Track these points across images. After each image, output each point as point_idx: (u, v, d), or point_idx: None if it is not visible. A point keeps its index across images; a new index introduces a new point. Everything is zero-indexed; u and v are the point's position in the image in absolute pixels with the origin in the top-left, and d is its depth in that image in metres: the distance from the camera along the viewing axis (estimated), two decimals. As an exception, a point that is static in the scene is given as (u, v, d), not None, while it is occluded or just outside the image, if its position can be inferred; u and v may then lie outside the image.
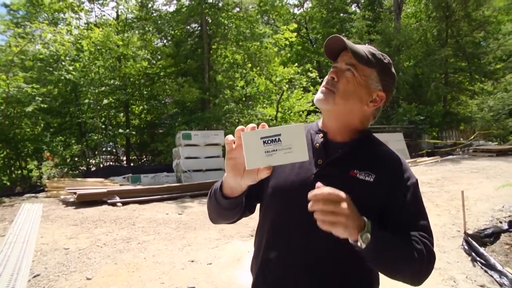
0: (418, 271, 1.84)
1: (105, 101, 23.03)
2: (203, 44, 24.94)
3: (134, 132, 26.14)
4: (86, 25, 26.02)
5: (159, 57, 25.62)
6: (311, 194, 1.65)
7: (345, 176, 1.94)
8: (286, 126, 1.67)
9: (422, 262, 1.82)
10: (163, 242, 8.86)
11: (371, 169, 1.95)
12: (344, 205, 1.63)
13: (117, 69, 23.65)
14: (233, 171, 1.78)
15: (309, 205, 1.65)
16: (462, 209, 7.88)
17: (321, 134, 2.10)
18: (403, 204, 1.92)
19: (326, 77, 2.06)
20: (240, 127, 1.65)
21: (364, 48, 2.02)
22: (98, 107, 22.73)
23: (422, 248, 1.85)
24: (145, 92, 26.06)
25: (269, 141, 1.65)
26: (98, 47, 22.30)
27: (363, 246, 1.69)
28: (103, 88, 22.45)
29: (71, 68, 21.11)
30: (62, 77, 20.87)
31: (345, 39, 1.96)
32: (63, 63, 20.63)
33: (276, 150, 1.66)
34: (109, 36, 21.81)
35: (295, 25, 29.58)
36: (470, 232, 7.95)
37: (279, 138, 1.65)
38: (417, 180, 2.02)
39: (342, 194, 1.66)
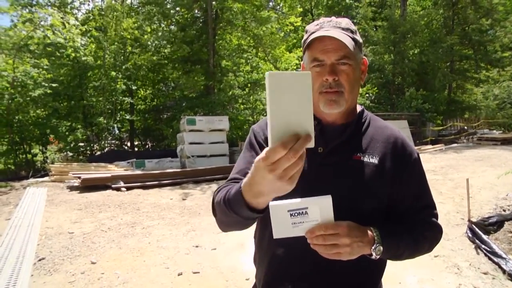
0: (428, 249, 1.96)
1: (115, 86, 22.96)
2: (208, 29, 24.79)
3: (139, 118, 26.23)
4: (93, 10, 25.99)
5: (165, 42, 25.51)
6: (307, 233, 1.65)
7: (350, 161, 1.87)
8: (313, 198, 1.63)
9: (432, 242, 1.98)
10: (168, 227, 8.89)
11: (374, 150, 1.91)
12: (344, 239, 1.63)
13: (128, 55, 23.63)
14: (285, 187, 1.30)
15: (309, 240, 1.65)
16: (466, 197, 7.90)
17: (315, 121, 1.73)
18: (409, 182, 1.92)
19: (316, 80, 1.85)
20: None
21: (338, 30, 1.85)
22: (108, 92, 22.67)
23: (430, 230, 1.96)
24: (156, 78, 25.95)
25: (296, 214, 1.63)
26: (113, 31, 22.33)
27: (377, 257, 1.72)
28: (114, 73, 22.39)
29: (86, 51, 21.18)
30: (70, 61, 20.89)
31: (338, 36, 1.78)
32: (75, 46, 20.57)
33: (303, 222, 1.64)
34: (122, 22, 21.84)
35: (300, 9, 29.44)
36: (474, 220, 7.97)
37: (306, 211, 1.62)
38: (418, 154, 2.00)
39: (339, 226, 1.64)
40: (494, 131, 31.77)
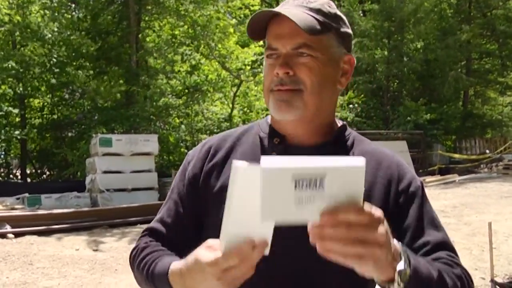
0: None
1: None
2: (129, 13, 24.73)
3: (35, 131, 25.93)
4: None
5: (69, 32, 25.28)
6: (324, 215, 1.26)
7: None
8: (337, 161, 1.28)
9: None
10: (72, 289, 8.82)
11: None
12: (382, 229, 1.31)
13: (13, 49, 23.40)
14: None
15: (316, 232, 1.28)
16: (488, 248, 7.93)
17: (277, 139, 1.90)
18: (410, 223, 1.79)
19: (268, 75, 1.88)
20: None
21: (302, 9, 1.80)
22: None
23: (460, 272, 1.71)
24: (58, 81, 25.75)
25: (304, 184, 1.24)
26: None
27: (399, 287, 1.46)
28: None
29: None
30: None
31: (293, 17, 1.70)
32: None
33: (314, 197, 1.26)
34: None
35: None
36: (499, 280, 7.99)
37: (321, 182, 1.25)
38: (421, 182, 1.91)
39: (378, 212, 1.33)
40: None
